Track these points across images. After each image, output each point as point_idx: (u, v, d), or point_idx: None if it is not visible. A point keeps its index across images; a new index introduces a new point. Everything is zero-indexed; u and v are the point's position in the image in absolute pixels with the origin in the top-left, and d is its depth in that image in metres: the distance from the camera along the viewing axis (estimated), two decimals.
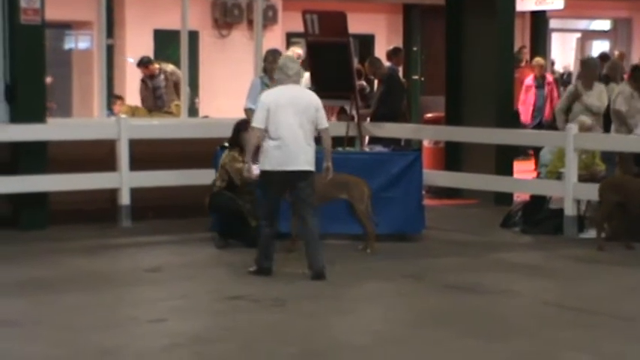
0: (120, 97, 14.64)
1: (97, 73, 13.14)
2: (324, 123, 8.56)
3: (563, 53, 21.54)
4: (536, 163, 14.88)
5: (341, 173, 9.69)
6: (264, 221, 8.57)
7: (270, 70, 10.50)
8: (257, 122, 8.42)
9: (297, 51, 13.94)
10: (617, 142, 10.90)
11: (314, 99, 8.59)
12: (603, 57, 15.64)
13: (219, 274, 8.80)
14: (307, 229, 8.55)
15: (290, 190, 8.64)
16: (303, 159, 8.44)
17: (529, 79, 15.79)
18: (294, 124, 8.39)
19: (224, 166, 9.73)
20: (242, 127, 9.74)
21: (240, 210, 9.65)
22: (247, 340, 6.52)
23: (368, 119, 12.80)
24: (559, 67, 20.42)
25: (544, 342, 6.61)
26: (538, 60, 16.43)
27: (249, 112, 10.52)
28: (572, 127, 10.74)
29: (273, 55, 10.68)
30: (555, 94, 15.90)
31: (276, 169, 8.41)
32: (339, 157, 10.41)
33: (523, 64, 15.77)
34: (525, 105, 15.62)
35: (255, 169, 8.77)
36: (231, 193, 9.70)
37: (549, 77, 16.22)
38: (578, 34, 21.72)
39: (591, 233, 10.02)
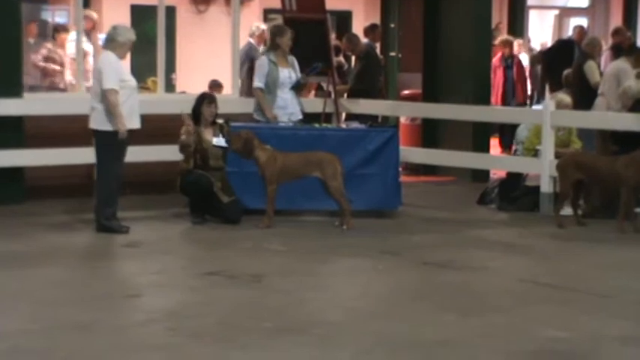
0: None
1: (45, 46, 13.03)
2: (103, 84, 8.96)
3: (541, 30, 21.54)
4: (501, 144, 14.87)
5: (313, 151, 9.68)
6: None
7: (277, 45, 10.45)
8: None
9: (261, 27, 13.88)
10: (595, 119, 10.91)
11: (101, 60, 9.19)
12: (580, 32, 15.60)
13: (195, 250, 8.78)
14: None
15: None
16: (91, 117, 9.10)
17: (496, 59, 15.06)
18: (92, 84, 9.25)
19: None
20: (202, 100, 9.83)
21: (210, 188, 9.61)
22: (223, 316, 6.50)
23: (345, 96, 12.76)
24: (536, 45, 20.41)
25: (519, 318, 6.62)
26: (506, 38, 15.84)
27: (257, 90, 10.48)
28: (550, 104, 10.74)
29: (280, 30, 10.62)
30: (526, 74, 15.68)
31: None
32: (315, 133, 10.42)
33: (498, 41, 15.67)
34: (494, 87, 14.74)
35: (222, 140, 9.38)
36: (202, 170, 9.66)
37: (519, 57, 15.86)
38: (556, 11, 21.73)
39: (567, 210, 10.04)
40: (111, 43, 9.18)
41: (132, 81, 9.19)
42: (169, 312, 6.64)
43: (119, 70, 9.05)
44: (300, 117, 10.77)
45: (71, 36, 13.00)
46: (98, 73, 9.05)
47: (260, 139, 9.53)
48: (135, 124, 9.11)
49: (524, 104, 15.32)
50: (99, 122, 9.05)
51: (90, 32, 13.52)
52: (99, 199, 9.17)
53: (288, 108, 10.65)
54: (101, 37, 14.04)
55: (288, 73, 10.66)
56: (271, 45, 10.72)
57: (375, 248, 8.79)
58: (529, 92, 16.27)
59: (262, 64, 10.61)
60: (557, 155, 10.55)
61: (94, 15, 14.11)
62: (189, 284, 7.49)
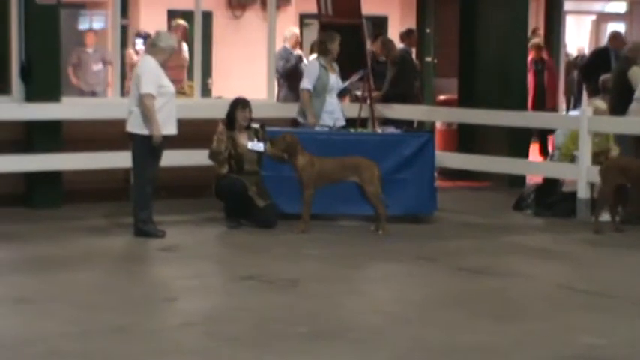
0: None
1: (110, 52, 13.09)
2: (141, 88, 8.99)
3: (577, 36, 21.41)
4: (541, 149, 14.71)
5: (351, 156, 9.69)
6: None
7: (329, 51, 10.55)
8: None
9: (295, 30, 13.91)
10: (632, 125, 10.82)
11: (140, 65, 9.22)
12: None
13: (231, 255, 8.80)
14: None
15: None
16: (129, 120, 9.15)
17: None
18: (131, 89, 9.28)
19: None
20: (236, 104, 9.84)
21: (246, 192, 9.63)
22: (258, 320, 6.51)
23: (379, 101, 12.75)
24: (573, 50, 20.30)
25: (556, 325, 6.58)
26: (536, 42, 15.45)
27: (305, 92, 10.53)
28: (587, 110, 10.67)
29: (331, 36, 10.67)
30: (557, 79, 15.41)
31: None
32: (351, 138, 10.43)
33: (530, 45, 15.51)
34: None
35: (257, 145, 9.40)
36: (237, 175, 9.69)
37: (551, 61, 15.61)
38: (594, 17, 21.58)
39: (605, 216, 9.97)
40: (152, 48, 9.25)
41: (170, 87, 9.24)
42: (205, 316, 6.67)
43: (158, 75, 9.11)
44: (344, 123, 10.84)
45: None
46: (137, 78, 9.11)
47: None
48: (171, 130, 9.16)
49: (554, 110, 15.14)
50: (136, 126, 9.11)
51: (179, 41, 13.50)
52: (135, 203, 9.23)
53: (335, 113, 10.72)
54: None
55: (336, 79, 10.76)
56: (322, 50, 10.78)
57: (411, 254, 8.78)
58: (562, 97, 16.14)
59: (313, 67, 10.68)
60: (594, 161, 10.48)
61: (183, 23, 14.02)
62: (225, 288, 7.51)
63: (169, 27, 14.45)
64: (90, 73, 13.52)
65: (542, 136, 14.68)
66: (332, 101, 10.71)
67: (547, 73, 15.05)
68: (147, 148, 9.06)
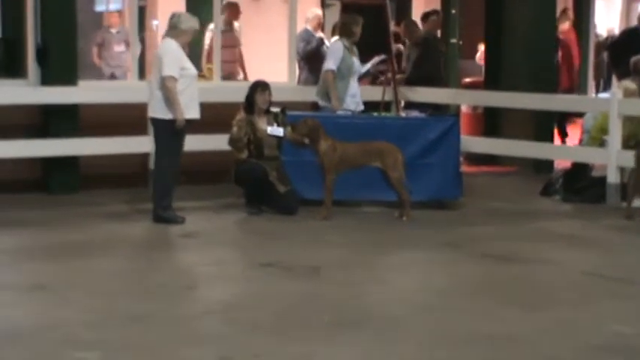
0: None
1: (129, 35, 13.13)
2: (163, 71, 9.00)
3: (607, 16, 21.27)
4: (559, 132, 14.59)
5: (374, 140, 9.68)
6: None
7: (353, 33, 10.56)
8: None
9: (317, 12, 13.86)
10: None
11: (161, 47, 9.24)
12: None
13: (251, 241, 8.83)
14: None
15: None
16: (151, 105, 9.22)
17: None
18: (152, 73, 9.30)
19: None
20: (256, 87, 9.86)
21: (266, 178, 9.65)
22: (280, 308, 6.53)
23: (403, 84, 12.73)
24: (602, 31, 20.17)
25: (584, 312, 6.57)
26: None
27: (330, 73, 10.50)
28: (617, 92, 10.62)
29: (356, 19, 10.68)
30: (574, 58, 15.25)
31: None
32: (374, 122, 10.42)
33: (566, 26, 15.42)
34: None
35: (277, 129, 9.47)
36: (257, 160, 9.70)
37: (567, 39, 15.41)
38: None
39: (637, 202, 9.92)
40: (173, 30, 9.25)
41: (192, 69, 9.25)
42: (225, 303, 6.70)
43: (180, 57, 9.12)
44: (362, 107, 10.82)
45: (210, 26, 13.16)
46: (158, 60, 9.12)
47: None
48: (194, 113, 9.18)
49: (570, 91, 15.00)
50: (157, 110, 9.13)
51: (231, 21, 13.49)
52: (155, 189, 9.27)
53: (356, 96, 10.71)
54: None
55: (357, 62, 10.74)
56: (345, 31, 10.73)
57: (435, 240, 8.78)
58: (591, 79, 16.00)
59: (337, 48, 10.63)
60: (624, 145, 10.43)
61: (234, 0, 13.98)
62: (246, 275, 7.54)
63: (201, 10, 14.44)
64: (112, 54, 13.55)
65: (561, 118, 14.60)
66: (354, 85, 10.72)
67: (561, 51, 14.88)
68: (169, 132, 9.08)
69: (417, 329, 6.16)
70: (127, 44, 13.59)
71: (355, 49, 10.79)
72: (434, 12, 14.02)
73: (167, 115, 9.06)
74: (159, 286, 7.11)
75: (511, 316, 6.44)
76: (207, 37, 13.28)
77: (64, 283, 7.13)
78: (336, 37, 11.10)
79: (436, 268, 7.92)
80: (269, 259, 7.90)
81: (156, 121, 9.20)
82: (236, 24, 13.41)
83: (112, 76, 13.19)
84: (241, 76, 13.36)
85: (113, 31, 13.70)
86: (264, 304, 6.64)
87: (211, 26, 13.00)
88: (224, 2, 13.79)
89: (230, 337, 5.95)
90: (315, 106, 11.02)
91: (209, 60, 13.09)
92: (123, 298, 6.73)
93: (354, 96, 10.68)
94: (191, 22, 9.33)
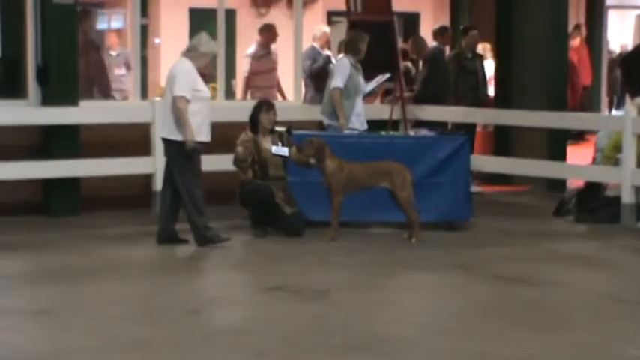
0: None
1: (131, 53, 13.21)
2: (174, 90, 9.05)
3: (621, 32, 21.34)
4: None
5: (381, 161, 9.73)
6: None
7: (359, 50, 10.61)
8: None
9: (325, 29, 13.93)
10: None
11: (175, 67, 9.19)
12: None
13: (257, 264, 8.86)
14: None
15: None
16: (164, 126, 9.23)
17: None
18: (165, 93, 9.30)
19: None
20: (260, 107, 9.93)
21: (272, 199, 9.70)
22: (287, 333, 6.57)
23: (412, 102, 12.79)
24: (615, 47, 20.24)
25: (599, 336, 6.60)
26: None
27: (337, 91, 10.52)
28: (630, 110, 10.67)
29: (362, 36, 10.75)
30: (577, 77, 15.15)
31: None
32: (382, 141, 10.47)
33: (577, 42, 15.51)
34: None
35: (281, 149, 9.48)
36: (262, 181, 9.75)
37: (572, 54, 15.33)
38: (638, 11, 21.50)
39: None
40: (192, 52, 9.25)
41: (206, 92, 9.28)
42: (231, 328, 6.74)
43: (193, 78, 9.14)
44: (366, 127, 10.86)
45: (248, 51, 13.18)
46: (171, 80, 9.16)
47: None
48: (205, 136, 9.20)
49: (573, 110, 14.97)
50: (171, 131, 9.15)
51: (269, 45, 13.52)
52: (189, 212, 9.21)
53: (361, 115, 10.75)
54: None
55: (363, 80, 10.78)
56: (352, 49, 10.73)
57: (445, 262, 8.82)
58: (604, 97, 16.07)
59: (344, 65, 10.62)
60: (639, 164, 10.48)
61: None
62: (252, 299, 7.58)
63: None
64: (112, 77, 13.56)
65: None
66: (360, 103, 10.77)
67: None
68: (182, 154, 9.12)
69: (427, 352, 6.19)
70: (128, 67, 13.65)
71: (359, 66, 10.83)
72: (445, 28, 14.06)
73: (177, 136, 9.09)
74: (163, 310, 7.15)
75: (523, 339, 6.48)
76: (246, 62, 13.27)
77: (66, 308, 7.18)
78: (341, 55, 11.17)
79: (446, 290, 7.95)
80: (276, 282, 7.94)
81: (169, 143, 9.22)
82: (273, 47, 13.43)
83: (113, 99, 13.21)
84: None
85: (113, 53, 13.74)
86: (271, 329, 6.68)
87: (250, 50, 13.04)
88: (261, 25, 13.79)
89: None
90: (321, 126, 11.07)
91: (248, 85, 13.14)
92: (126, 323, 6.77)
93: (360, 115, 10.72)
94: (210, 46, 9.38)
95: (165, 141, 9.24)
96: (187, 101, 9.02)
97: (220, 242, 9.15)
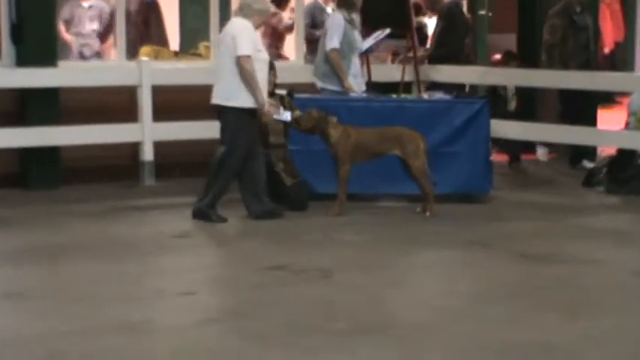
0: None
1: (116, 10, 13.15)
2: (238, 50, 9.04)
3: None
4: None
5: (393, 126, 9.70)
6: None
7: (354, 3, 10.53)
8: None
9: None
10: None
11: (234, 26, 9.17)
12: None
13: (256, 241, 8.86)
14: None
15: None
16: (219, 91, 9.16)
17: None
18: (218, 56, 9.34)
19: None
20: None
21: (272, 169, 9.68)
22: (290, 316, 6.57)
23: (425, 62, 12.75)
24: None
25: (632, 318, 6.60)
26: None
27: (335, 52, 10.44)
28: None
29: None
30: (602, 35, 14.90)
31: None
32: (392, 105, 10.45)
33: None
34: None
35: (284, 114, 9.38)
36: (261, 148, 9.72)
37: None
38: None
39: None
40: (245, 9, 9.26)
41: (264, 53, 9.33)
42: (229, 311, 6.74)
43: (255, 37, 9.19)
44: (364, 87, 10.80)
45: None
46: (229, 40, 9.14)
47: (331, 115, 9.55)
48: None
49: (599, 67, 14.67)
50: (229, 97, 9.14)
51: None
52: (213, 184, 9.25)
53: (358, 76, 10.68)
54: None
55: (359, 37, 10.71)
56: (346, 3, 10.65)
57: (463, 238, 8.81)
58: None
59: (338, 22, 10.53)
60: None
61: None
62: (251, 280, 7.57)
63: None
64: (82, 32, 13.35)
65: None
66: (356, 63, 10.70)
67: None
68: (241, 122, 9.12)
69: (443, 338, 6.19)
70: (101, 21, 13.51)
71: (356, 21, 10.73)
72: None
73: (241, 103, 9.09)
74: (153, 292, 7.15)
75: (550, 323, 6.47)
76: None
77: (46, 290, 7.17)
78: (334, 9, 11.05)
79: (464, 269, 7.95)
80: (276, 261, 7.94)
81: (226, 110, 9.18)
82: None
83: (81, 56, 13.00)
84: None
85: (85, 5, 13.54)
86: (271, 312, 6.68)
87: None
88: None
89: (235, 350, 5.99)
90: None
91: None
92: (112, 306, 6.77)
93: (357, 76, 10.66)
94: (265, 3, 9.41)
95: (224, 108, 9.18)
96: (252, 60, 9.05)
97: (219, 221, 9.22)
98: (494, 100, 12.31)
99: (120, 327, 6.33)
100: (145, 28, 13.60)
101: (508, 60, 12.71)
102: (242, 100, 9.10)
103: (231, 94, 9.11)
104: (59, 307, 6.77)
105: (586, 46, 12.75)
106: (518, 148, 12.38)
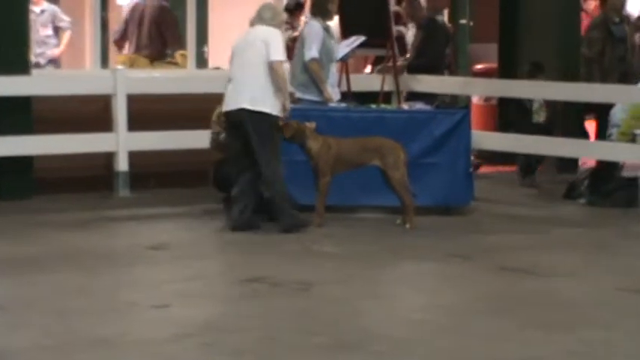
0: None
1: (89, 17, 13.15)
2: (273, 55, 9.10)
3: None
4: (598, 128, 14.58)
5: (373, 137, 9.70)
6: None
7: (329, 11, 10.55)
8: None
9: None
10: None
11: (264, 32, 9.21)
12: None
13: (233, 253, 8.84)
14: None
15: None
16: (247, 96, 9.03)
17: None
18: (244, 62, 9.22)
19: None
20: None
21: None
22: (267, 330, 6.55)
23: (405, 71, 12.74)
24: (634, 10, 20.19)
25: (617, 334, 6.58)
26: None
27: (315, 63, 10.38)
28: None
29: None
30: None
31: (225, 109, 9.28)
32: (372, 115, 10.44)
33: (592, 5, 15.41)
34: None
35: None
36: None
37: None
38: None
39: None
40: (277, 18, 9.46)
41: (288, 63, 9.58)
42: (204, 325, 6.70)
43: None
44: (339, 97, 10.77)
45: None
46: (263, 45, 9.18)
47: (311, 123, 9.52)
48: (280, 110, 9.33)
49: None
50: (260, 102, 9.15)
51: None
52: (276, 195, 9.21)
53: (335, 86, 10.66)
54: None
55: (336, 45, 10.68)
56: (321, 10, 10.59)
57: (443, 251, 8.80)
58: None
59: (316, 31, 10.43)
60: None
61: None
62: (227, 293, 7.55)
63: None
64: (36, 39, 13.15)
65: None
66: (334, 72, 10.68)
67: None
68: (276, 127, 9.20)
69: (423, 353, 6.17)
70: (55, 27, 13.40)
71: (331, 30, 10.70)
72: None
73: (272, 109, 9.14)
74: (126, 305, 7.11)
75: (532, 338, 6.45)
76: None
77: (18, 304, 7.12)
78: (309, 18, 11.02)
79: (445, 282, 7.93)
80: (253, 273, 7.90)
81: (258, 116, 9.14)
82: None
83: (37, 66, 12.83)
84: None
85: (37, 9, 13.38)
86: (248, 326, 6.65)
87: None
88: None
89: None
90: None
91: None
92: (86, 320, 6.73)
93: (334, 85, 10.63)
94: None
95: (261, 115, 9.14)
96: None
97: (305, 227, 9.27)
98: (518, 112, 12.27)
99: (94, 341, 6.28)
100: (157, 32, 13.51)
101: (535, 72, 12.47)
102: (273, 105, 9.17)
103: (264, 100, 9.15)
104: (34, 321, 6.72)
105: (623, 57, 12.59)
106: (533, 161, 12.24)
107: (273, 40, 9.18)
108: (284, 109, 9.19)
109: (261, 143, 9.16)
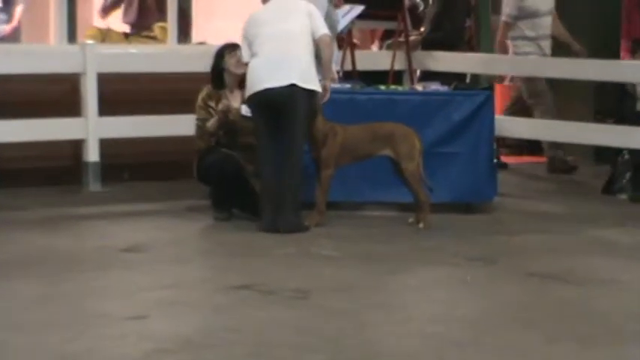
0: None
1: None
2: (322, 28, 9.31)
3: None
4: None
5: (383, 122, 9.70)
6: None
7: None
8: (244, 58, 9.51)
9: None
10: None
11: (304, 4, 9.41)
12: None
13: (219, 257, 8.87)
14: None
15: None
16: (297, 72, 9.16)
17: None
18: (284, 34, 9.31)
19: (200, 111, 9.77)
20: (222, 52, 9.90)
21: (240, 173, 9.67)
22: (257, 344, 6.57)
23: (419, 48, 12.78)
24: None
25: None
26: None
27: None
28: None
29: None
30: None
31: (259, 87, 9.23)
32: (381, 98, 10.46)
33: None
34: None
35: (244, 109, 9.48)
36: (227, 148, 9.72)
37: None
38: None
39: None
40: None
41: None
42: (185, 339, 6.72)
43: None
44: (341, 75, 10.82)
45: None
46: (307, 17, 9.33)
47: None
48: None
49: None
50: (308, 79, 9.27)
51: None
52: (292, 191, 9.27)
53: (337, 63, 10.69)
54: None
55: (340, 19, 10.70)
56: None
57: (462, 254, 8.84)
58: None
59: (320, 3, 10.49)
60: None
61: None
62: (212, 302, 7.57)
63: None
64: None
65: None
66: (335, 47, 10.71)
67: None
68: (313, 108, 9.34)
69: None
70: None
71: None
72: None
73: (316, 85, 9.31)
74: (97, 316, 7.13)
75: (563, 353, 6.49)
76: None
77: None
78: None
79: (464, 290, 7.96)
80: (243, 279, 7.93)
81: (302, 94, 9.24)
82: None
83: None
84: None
85: None
86: (236, 340, 6.67)
87: None
88: None
89: None
90: None
91: None
92: (52, 333, 6.74)
93: (336, 62, 10.66)
94: None
95: (304, 91, 9.24)
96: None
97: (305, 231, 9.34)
98: (622, 100, 12.25)
99: (59, 357, 6.31)
100: (158, 6, 13.58)
101: (637, 49, 12.43)
102: (318, 84, 9.32)
103: (313, 77, 9.30)
104: None
105: None
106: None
107: (316, 13, 9.39)
108: (324, 89, 9.29)
109: (300, 125, 9.25)
